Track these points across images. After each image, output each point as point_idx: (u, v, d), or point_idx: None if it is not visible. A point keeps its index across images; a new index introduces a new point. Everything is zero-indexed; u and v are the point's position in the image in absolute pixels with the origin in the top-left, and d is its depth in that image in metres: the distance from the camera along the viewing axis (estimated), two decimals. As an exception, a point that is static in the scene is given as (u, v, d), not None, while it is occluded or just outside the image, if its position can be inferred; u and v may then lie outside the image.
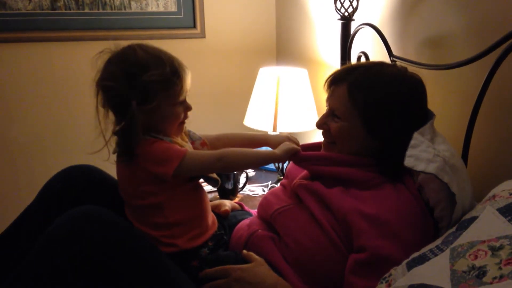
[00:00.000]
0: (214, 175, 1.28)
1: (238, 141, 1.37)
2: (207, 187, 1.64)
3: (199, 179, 1.28)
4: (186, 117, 1.22)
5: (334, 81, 1.24)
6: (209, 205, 1.30)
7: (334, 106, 1.22)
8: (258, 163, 1.24)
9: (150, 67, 1.11)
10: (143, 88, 1.10)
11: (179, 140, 1.22)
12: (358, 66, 1.24)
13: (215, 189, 1.88)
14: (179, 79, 1.15)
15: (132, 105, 1.09)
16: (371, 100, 1.16)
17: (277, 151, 1.23)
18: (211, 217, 1.29)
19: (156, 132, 1.17)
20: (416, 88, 1.20)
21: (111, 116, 1.17)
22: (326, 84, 1.26)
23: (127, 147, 1.13)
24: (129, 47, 1.14)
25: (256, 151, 1.23)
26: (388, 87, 1.17)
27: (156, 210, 1.18)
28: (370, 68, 1.21)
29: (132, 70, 1.11)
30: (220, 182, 1.30)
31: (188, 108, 1.21)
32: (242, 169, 1.19)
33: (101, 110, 1.16)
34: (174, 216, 1.19)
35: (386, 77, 1.19)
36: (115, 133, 1.15)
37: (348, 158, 1.21)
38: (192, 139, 1.31)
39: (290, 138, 1.33)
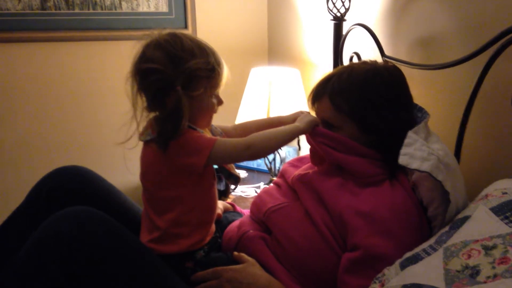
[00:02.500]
0: (236, 172, 1.27)
1: (254, 129, 1.34)
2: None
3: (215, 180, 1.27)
4: (216, 111, 1.22)
5: (315, 98, 1.26)
6: (217, 212, 1.30)
7: (325, 117, 1.23)
8: (285, 141, 1.21)
9: (196, 54, 1.11)
10: (188, 75, 1.09)
11: (207, 132, 1.22)
12: (331, 76, 1.24)
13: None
14: (222, 70, 1.15)
15: (177, 90, 1.08)
16: (354, 101, 1.18)
17: (299, 124, 1.21)
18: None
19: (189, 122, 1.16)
20: (390, 74, 1.21)
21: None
22: (309, 104, 1.29)
23: (171, 133, 1.10)
24: (174, 34, 1.13)
25: (280, 131, 1.20)
26: (364, 84, 1.18)
27: (175, 204, 1.17)
28: (342, 74, 1.22)
29: (179, 54, 1.09)
30: (240, 180, 1.29)
31: (220, 101, 1.21)
32: (270, 153, 1.19)
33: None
34: (189, 214, 1.17)
35: (359, 75, 1.19)
36: (158, 119, 1.13)
37: (360, 147, 1.19)
38: (214, 134, 1.29)
39: (303, 112, 1.33)
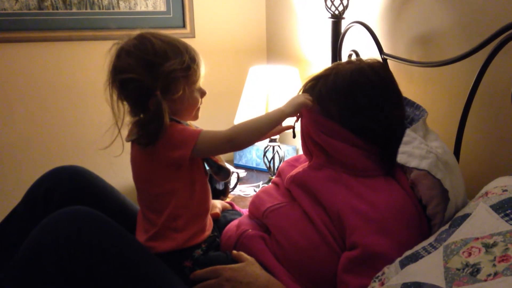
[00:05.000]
0: (225, 165, 1.26)
1: None
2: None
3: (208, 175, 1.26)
4: (201, 102, 1.21)
5: None
6: (211, 205, 1.29)
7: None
8: (269, 129, 1.19)
9: (169, 56, 1.10)
10: (165, 78, 1.09)
11: (192, 125, 1.21)
12: (318, 80, 1.23)
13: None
14: (198, 66, 1.15)
15: (156, 95, 1.08)
16: (343, 106, 1.17)
17: (284, 108, 1.18)
18: (209, 218, 1.28)
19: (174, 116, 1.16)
20: (375, 72, 1.19)
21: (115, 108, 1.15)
22: None
23: (154, 135, 1.09)
24: (143, 37, 1.12)
25: (263, 118, 1.17)
26: (350, 87, 1.17)
27: (168, 199, 1.16)
28: (328, 77, 1.21)
29: (152, 60, 1.09)
30: (230, 173, 1.28)
31: (203, 93, 1.21)
32: (254, 143, 1.18)
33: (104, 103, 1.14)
34: (182, 207, 1.17)
35: (345, 77, 1.18)
36: (140, 123, 1.12)
37: (354, 138, 1.18)
38: None
39: None
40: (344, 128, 1.17)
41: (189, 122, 1.21)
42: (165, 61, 1.09)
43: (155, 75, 1.08)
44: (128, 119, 1.17)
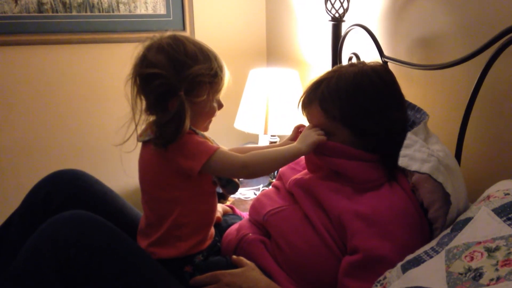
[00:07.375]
0: (236, 180, 1.25)
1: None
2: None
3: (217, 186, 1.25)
4: (216, 114, 1.22)
5: (305, 105, 1.25)
6: (216, 216, 1.29)
7: (317, 124, 1.22)
8: (285, 164, 1.20)
9: (199, 59, 1.10)
10: (191, 80, 1.08)
11: (209, 138, 1.21)
12: (320, 82, 1.22)
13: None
14: (224, 75, 1.16)
15: (180, 96, 1.07)
16: (345, 108, 1.16)
17: (301, 146, 1.16)
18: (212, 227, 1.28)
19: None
20: (378, 75, 1.19)
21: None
22: (301, 109, 1.28)
23: (171, 136, 1.08)
24: (176, 37, 1.12)
25: (279, 153, 1.17)
26: (353, 89, 1.17)
27: (174, 205, 1.15)
28: (330, 79, 1.20)
29: (182, 59, 1.09)
30: (238, 188, 1.27)
31: (221, 105, 1.21)
32: (267, 174, 1.17)
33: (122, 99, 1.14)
34: (188, 216, 1.16)
35: (347, 80, 1.18)
36: (159, 123, 1.10)
37: (356, 151, 1.18)
38: None
39: (300, 127, 1.31)
40: (345, 130, 1.17)
41: (205, 133, 1.20)
42: (194, 63, 1.09)
43: (183, 76, 1.08)
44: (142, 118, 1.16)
